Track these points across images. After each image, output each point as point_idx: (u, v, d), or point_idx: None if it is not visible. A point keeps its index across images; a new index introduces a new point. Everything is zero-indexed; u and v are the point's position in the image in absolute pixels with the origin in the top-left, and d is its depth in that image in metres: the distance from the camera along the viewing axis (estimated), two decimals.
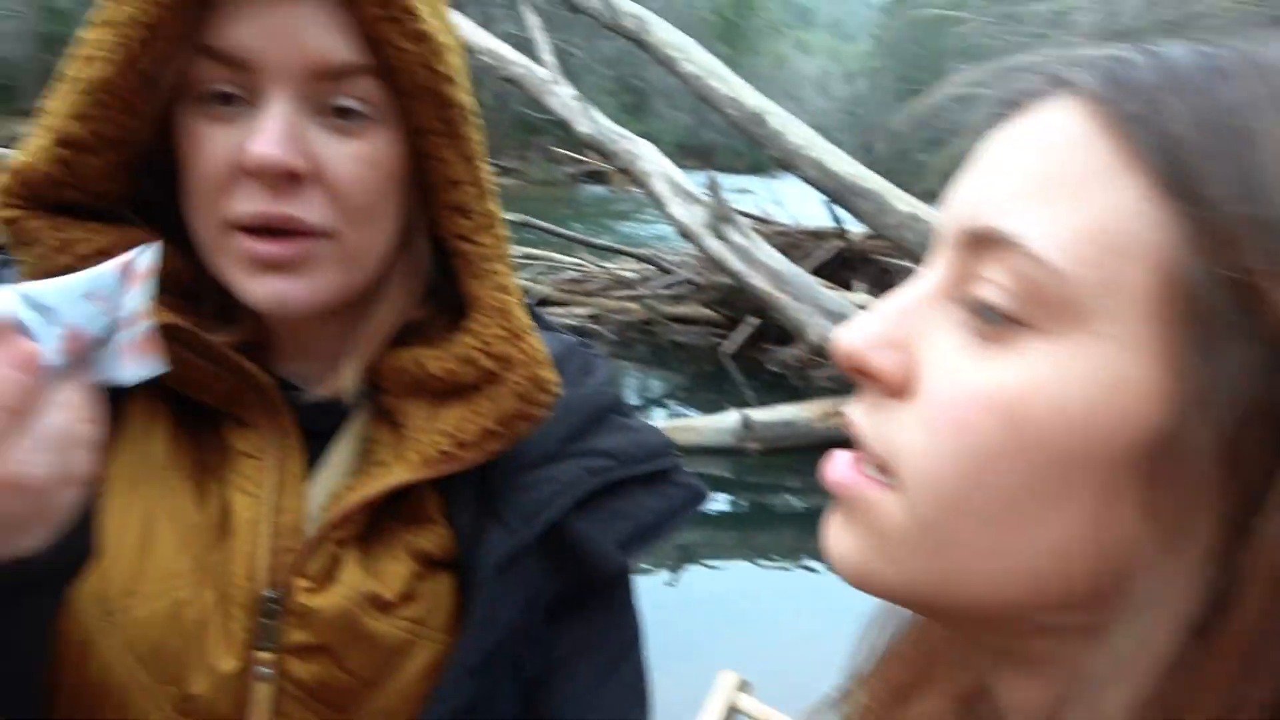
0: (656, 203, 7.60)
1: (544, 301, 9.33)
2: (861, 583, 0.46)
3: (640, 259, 10.13)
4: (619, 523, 0.88)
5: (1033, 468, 0.39)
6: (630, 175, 7.85)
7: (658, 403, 7.98)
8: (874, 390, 0.45)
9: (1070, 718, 0.39)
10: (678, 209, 7.38)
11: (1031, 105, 0.43)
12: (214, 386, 0.80)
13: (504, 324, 0.84)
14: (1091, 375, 0.38)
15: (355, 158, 0.77)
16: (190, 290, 0.82)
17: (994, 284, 0.40)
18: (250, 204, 0.75)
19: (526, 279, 10.05)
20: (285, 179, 0.74)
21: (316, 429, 0.84)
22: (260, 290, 0.77)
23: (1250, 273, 0.35)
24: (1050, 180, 0.40)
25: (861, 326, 0.44)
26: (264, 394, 0.81)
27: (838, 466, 0.46)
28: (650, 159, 7.68)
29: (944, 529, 0.41)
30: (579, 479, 0.87)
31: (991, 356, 0.40)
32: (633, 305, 9.63)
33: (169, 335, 0.74)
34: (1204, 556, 0.36)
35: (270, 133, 0.73)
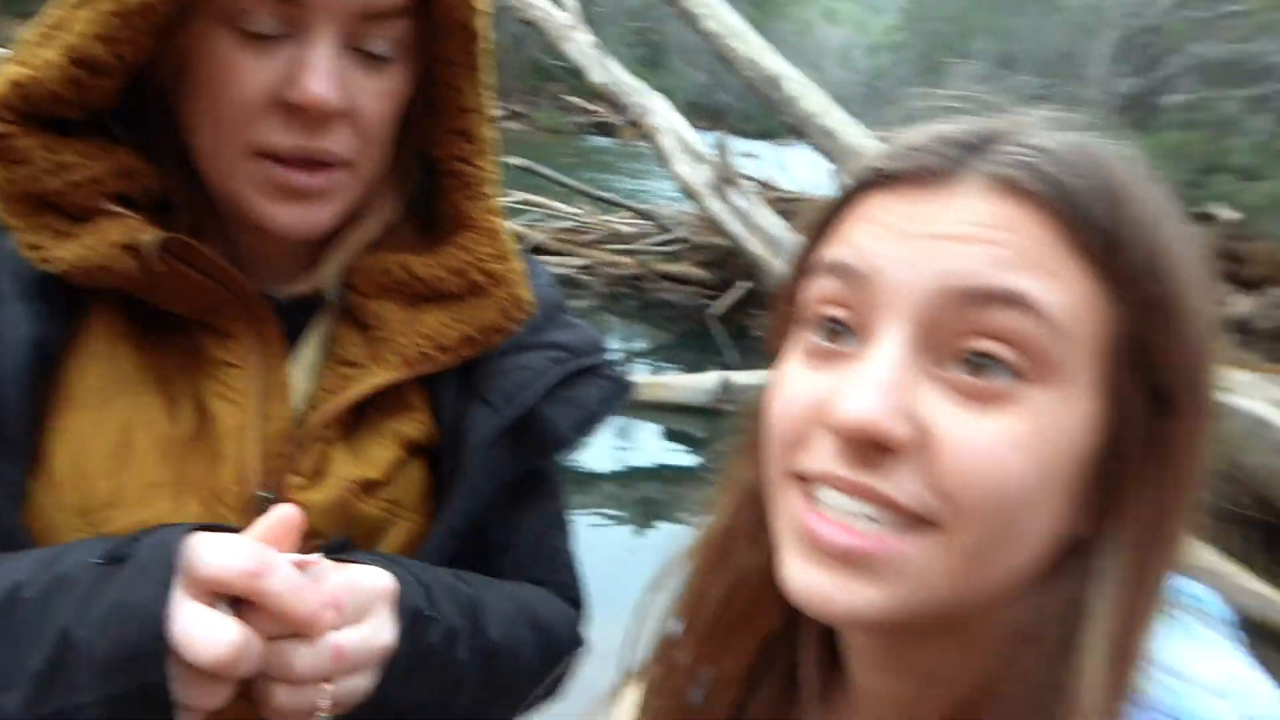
0: (662, 158, 7.56)
1: (538, 250, 9.29)
2: (881, 618, 0.53)
3: (639, 214, 10.08)
4: (573, 409, 0.96)
5: (1046, 479, 0.51)
6: (639, 129, 7.79)
7: (640, 357, 8.00)
8: (868, 454, 0.51)
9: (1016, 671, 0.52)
10: (683, 167, 7.35)
11: (949, 179, 0.54)
12: (197, 298, 0.81)
13: (495, 245, 0.90)
14: (1072, 412, 0.51)
15: (382, 94, 0.80)
16: (162, 204, 0.82)
17: (998, 341, 0.50)
18: (288, 137, 0.77)
19: (523, 225, 9.98)
20: (327, 117, 0.76)
21: (285, 329, 0.87)
22: (283, 216, 0.80)
23: (1147, 332, 0.52)
24: (1035, 259, 0.51)
25: (866, 398, 0.51)
26: (250, 305, 0.83)
27: (848, 535, 0.52)
28: (662, 114, 7.62)
29: (991, 546, 0.51)
30: (546, 368, 0.95)
31: (997, 410, 0.50)
32: (626, 259, 9.60)
33: (164, 248, 0.76)
34: (1123, 521, 0.52)
35: (324, 74, 0.75)
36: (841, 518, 0.53)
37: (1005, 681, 0.53)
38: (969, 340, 0.51)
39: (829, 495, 0.53)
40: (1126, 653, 0.52)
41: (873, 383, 0.51)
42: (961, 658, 0.56)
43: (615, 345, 8.17)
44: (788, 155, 10.37)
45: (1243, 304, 8.20)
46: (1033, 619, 0.53)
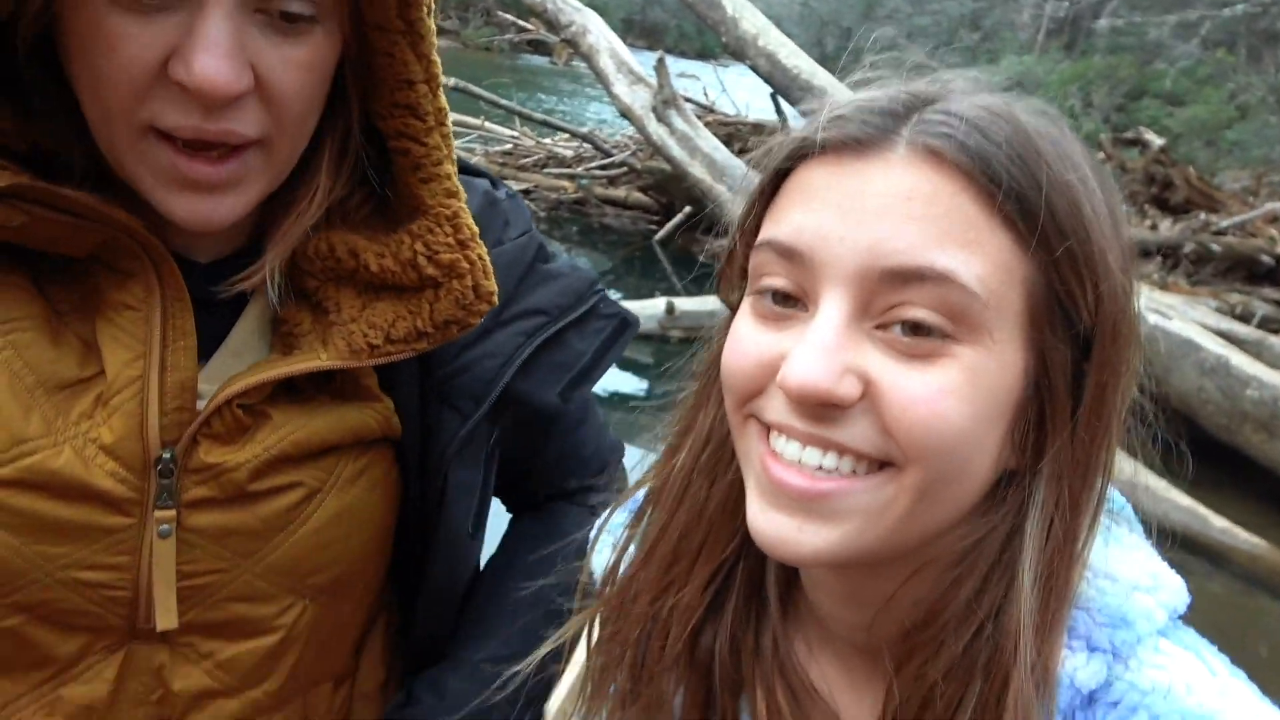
0: (600, 79, 7.36)
1: None
2: (837, 558, 0.58)
3: (578, 136, 9.89)
4: (558, 373, 0.91)
5: (982, 422, 0.56)
6: (575, 48, 7.56)
7: None
8: (819, 411, 0.57)
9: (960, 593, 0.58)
10: (621, 88, 7.18)
11: (877, 149, 0.57)
12: (80, 240, 0.74)
13: (453, 231, 0.82)
14: (1000, 363, 0.56)
15: (297, 64, 0.70)
16: (29, 155, 0.73)
17: (925, 309, 0.55)
18: (182, 118, 0.67)
19: (458, 147, 9.72)
20: (226, 99, 0.67)
21: (213, 301, 0.80)
22: (182, 209, 0.71)
23: (1064, 285, 0.57)
24: (955, 231, 0.55)
25: (812, 364, 0.55)
26: (142, 242, 0.74)
27: (804, 479, 0.57)
28: (598, 33, 7.39)
29: (940, 484, 0.57)
30: (516, 346, 0.89)
31: (930, 365, 0.55)
32: (567, 184, 9.45)
33: (14, 195, 0.68)
34: (1056, 456, 0.58)
35: (217, 50, 0.65)
36: (801, 463, 0.58)
37: (949, 602, 0.58)
38: (900, 309, 0.55)
39: (787, 445, 0.59)
40: (1057, 571, 0.58)
41: (817, 348, 0.56)
42: (912, 586, 0.61)
43: None
44: (727, 76, 10.23)
45: (1168, 229, 8.45)
46: (973, 545, 0.59)
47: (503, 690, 0.81)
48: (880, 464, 0.57)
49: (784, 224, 0.60)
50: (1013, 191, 0.55)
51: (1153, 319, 5.33)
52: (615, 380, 5.50)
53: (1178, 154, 11.35)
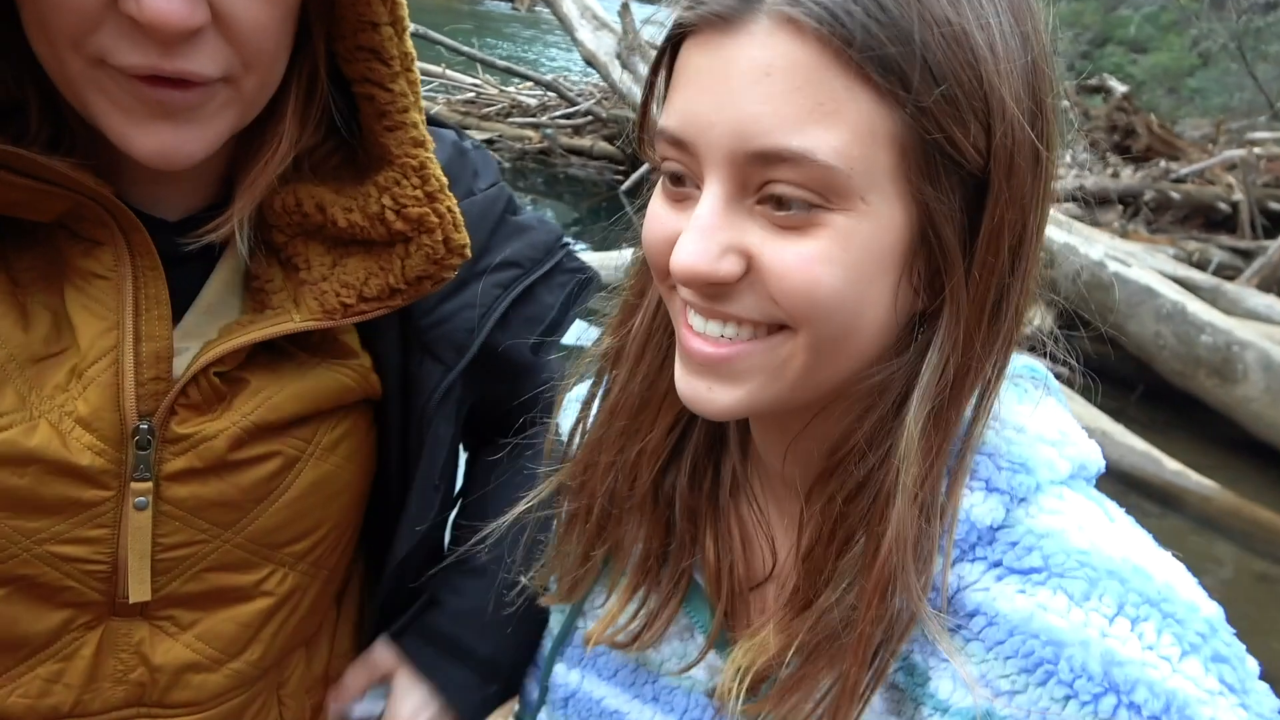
0: (564, 25, 7.24)
1: (434, 122, 8.88)
2: (746, 411, 0.63)
3: (542, 84, 9.72)
4: (530, 326, 0.92)
5: (861, 281, 0.58)
6: None
7: None
8: (710, 289, 0.60)
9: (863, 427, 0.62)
10: (585, 34, 7.06)
11: (739, 23, 0.56)
12: (45, 205, 0.71)
13: (420, 183, 0.80)
14: (871, 225, 0.58)
15: None
16: (19, 110, 0.71)
17: (790, 185, 0.56)
18: (136, 56, 0.64)
19: None
20: (181, 35, 0.64)
21: (184, 257, 0.77)
22: (146, 142, 0.67)
23: (944, 130, 0.56)
24: (815, 104, 0.55)
25: (694, 249, 0.58)
26: (110, 209, 0.72)
27: (709, 346, 0.62)
28: None
29: (831, 340, 0.60)
30: (494, 298, 0.89)
31: (803, 235, 0.57)
32: (531, 134, 9.32)
33: None
34: (954, 294, 0.59)
35: None
36: (705, 333, 0.63)
37: (852, 434, 0.63)
38: (770, 185, 0.57)
39: (694, 317, 0.64)
40: (946, 405, 0.61)
41: (696, 234, 0.59)
42: (823, 423, 0.66)
43: None
44: None
45: (1129, 176, 8.53)
46: (878, 384, 0.62)
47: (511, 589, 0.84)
48: (776, 327, 0.61)
49: (671, 112, 0.62)
50: (870, 50, 0.54)
51: (1113, 267, 5.40)
52: (580, 332, 5.49)
53: (1140, 101, 11.42)
